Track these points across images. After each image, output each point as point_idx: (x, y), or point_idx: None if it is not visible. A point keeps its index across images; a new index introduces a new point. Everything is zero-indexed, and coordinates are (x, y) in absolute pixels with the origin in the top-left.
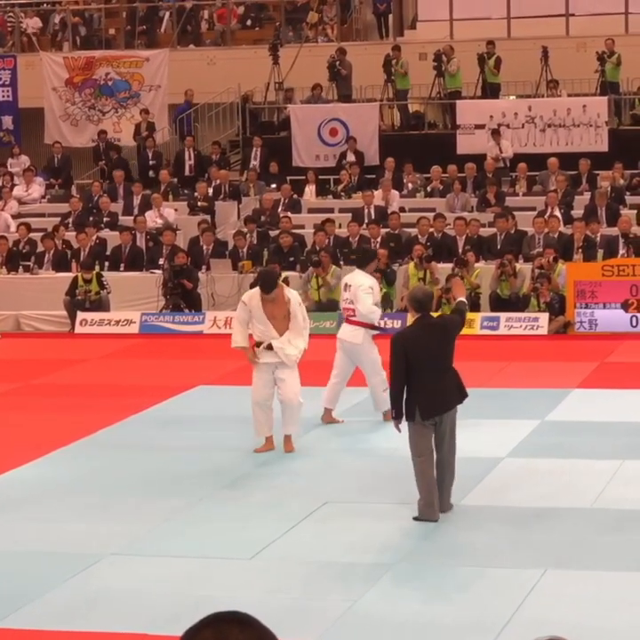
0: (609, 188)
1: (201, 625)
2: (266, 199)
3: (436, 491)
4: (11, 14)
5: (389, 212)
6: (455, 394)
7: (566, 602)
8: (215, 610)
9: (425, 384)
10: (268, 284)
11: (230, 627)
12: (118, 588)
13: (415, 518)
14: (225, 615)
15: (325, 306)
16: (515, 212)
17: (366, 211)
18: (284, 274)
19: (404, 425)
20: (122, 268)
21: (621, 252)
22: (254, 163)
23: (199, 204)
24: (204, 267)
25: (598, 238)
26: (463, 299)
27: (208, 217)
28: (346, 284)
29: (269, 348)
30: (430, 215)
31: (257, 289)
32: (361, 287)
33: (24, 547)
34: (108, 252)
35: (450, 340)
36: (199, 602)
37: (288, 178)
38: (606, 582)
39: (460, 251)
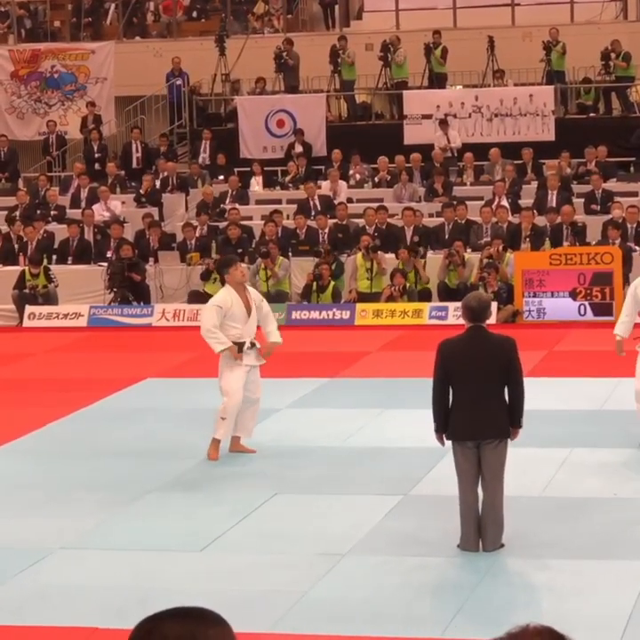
0: (557, 177)
1: (165, 616)
2: (207, 192)
3: (472, 520)
4: None
5: (337, 202)
6: (495, 425)
7: (518, 591)
8: (165, 603)
9: (462, 402)
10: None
11: (196, 622)
12: (68, 583)
13: (459, 545)
14: (189, 610)
15: (274, 297)
16: (463, 202)
17: (312, 202)
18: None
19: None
20: (70, 262)
21: (565, 242)
22: (204, 155)
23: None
24: (151, 259)
25: (549, 227)
26: None
27: (155, 210)
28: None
29: (252, 345)
30: (377, 205)
31: (226, 289)
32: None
33: None
34: (55, 246)
35: (502, 362)
36: (149, 595)
37: (236, 169)
38: (557, 570)
39: (408, 241)
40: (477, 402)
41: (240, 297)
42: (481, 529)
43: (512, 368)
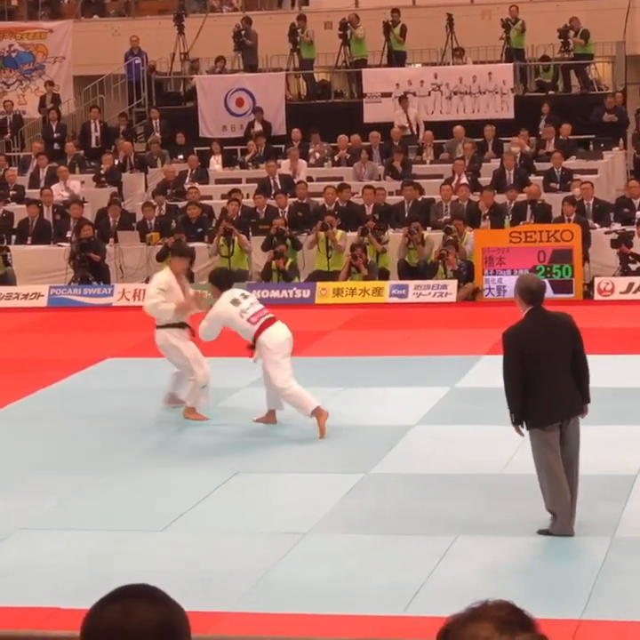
0: (518, 155)
1: (108, 600)
2: (168, 170)
3: (568, 503)
4: None
5: (296, 181)
6: (576, 402)
7: (478, 568)
8: (126, 582)
9: (544, 385)
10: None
11: (138, 602)
12: (28, 563)
13: (543, 531)
14: (132, 590)
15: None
16: (422, 180)
17: (272, 181)
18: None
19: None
20: (29, 242)
21: (528, 219)
22: (157, 134)
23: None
24: (111, 239)
25: (512, 205)
26: None
27: (114, 189)
28: (242, 294)
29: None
30: (337, 184)
31: (168, 274)
32: None
33: None
34: (14, 226)
35: (569, 338)
36: (110, 574)
37: (195, 149)
38: (518, 548)
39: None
40: (557, 383)
41: (179, 283)
42: None
43: (579, 343)
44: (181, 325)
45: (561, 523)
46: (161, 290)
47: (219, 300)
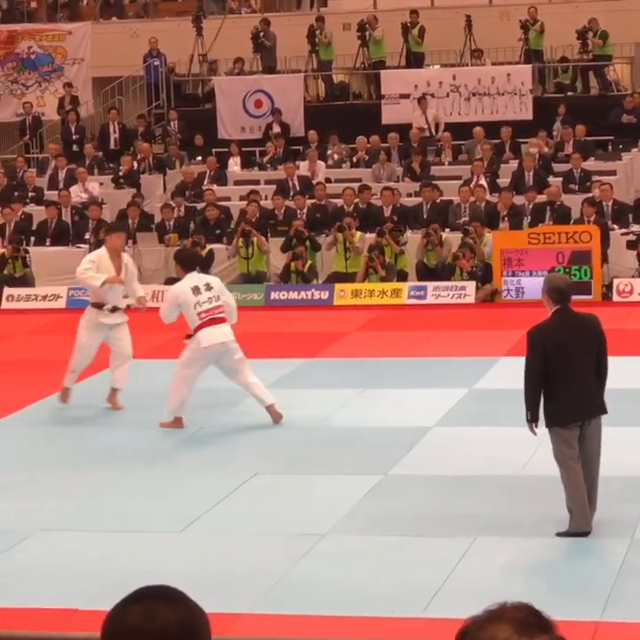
0: (537, 156)
1: (129, 600)
2: (186, 172)
3: (585, 501)
4: None
5: (315, 183)
6: (599, 402)
7: (497, 569)
8: (145, 583)
9: (567, 385)
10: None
11: (160, 603)
12: (47, 564)
13: (561, 534)
14: (153, 591)
15: (253, 277)
16: (440, 182)
17: (291, 182)
18: (208, 246)
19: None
20: (48, 243)
21: (547, 221)
22: (177, 136)
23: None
24: (130, 240)
25: (530, 206)
26: None
27: (133, 191)
28: (206, 285)
29: (115, 309)
30: (355, 185)
31: (102, 251)
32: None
33: None
34: (33, 227)
35: (594, 339)
36: (129, 576)
37: (214, 150)
38: (537, 549)
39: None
40: (582, 382)
41: (112, 262)
42: None
43: (603, 346)
44: (108, 307)
45: (576, 520)
46: (90, 261)
47: (179, 282)
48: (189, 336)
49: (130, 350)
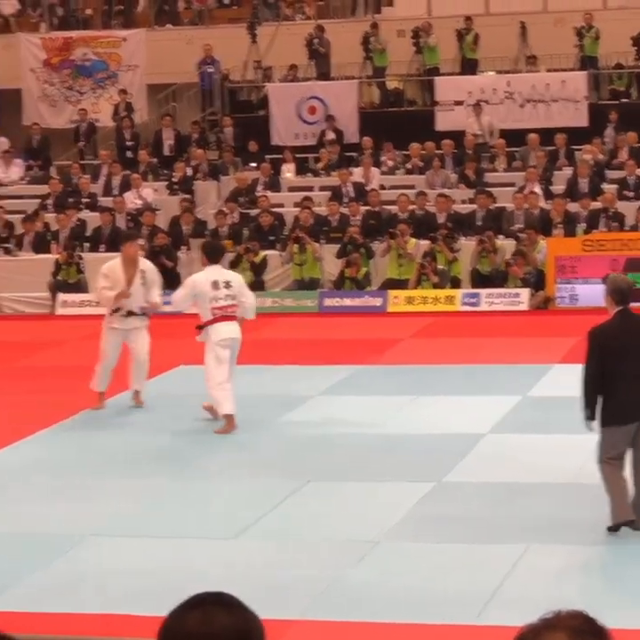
0: (592, 162)
1: (187, 606)
2: (240, 178)
3: (627, 493)
4: None
5: (369, 189)
6: None
7: (550, 576)
8: (198, 590)
9: (623, 385)
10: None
11: (216, 609)
12: (101, 569)
13: (609, 528)
14: (211, 597)
15: (307, 284)
16: (494, 189)
17: (344, 189)
18: (262, 252)
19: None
20: (102, 249)
21: (602, 228)
22: (231, 143)
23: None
24: (183, 247)
25: (585, 213)
26: None
27: (188, 198)
28: (226, 282)
29: (130, 314)
30: (409, 192)
31: (116, 261)
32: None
33: (7, 528)
34: (88, 233)
35: None
36: (183, 582)
37: (267, 156)
38: (591, 556)
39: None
40: (637, 384)
41: (124, 273)
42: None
43: None
44: (123, 312)
45: (612, 511)
46: (104, 275)
47: (200, 272)
48: (200, 327)
49: (144, 354)
